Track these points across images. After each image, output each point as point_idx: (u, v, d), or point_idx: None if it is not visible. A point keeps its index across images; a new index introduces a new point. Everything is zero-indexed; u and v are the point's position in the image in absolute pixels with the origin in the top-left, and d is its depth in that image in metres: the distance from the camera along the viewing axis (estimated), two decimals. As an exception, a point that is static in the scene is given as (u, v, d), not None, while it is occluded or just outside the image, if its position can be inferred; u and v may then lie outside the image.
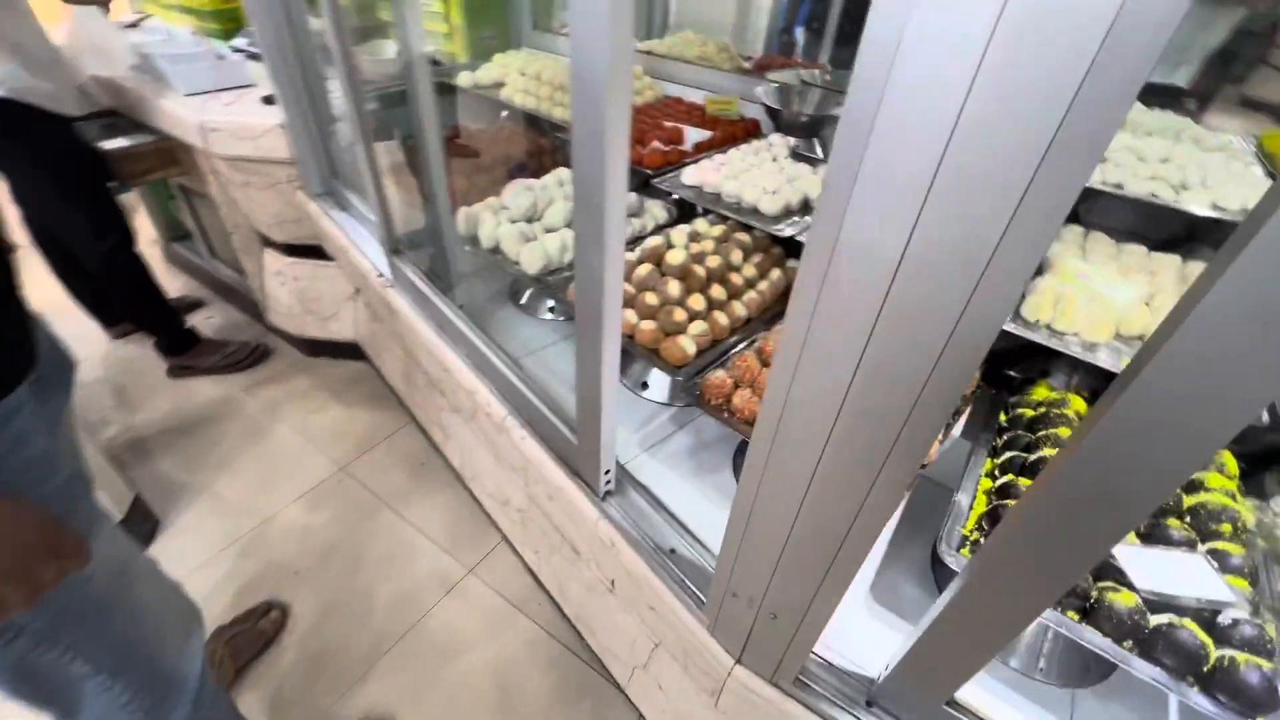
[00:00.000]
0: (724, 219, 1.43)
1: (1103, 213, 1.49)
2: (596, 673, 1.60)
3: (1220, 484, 0.91)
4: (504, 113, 2.21)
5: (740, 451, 1.25)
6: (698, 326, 1.17)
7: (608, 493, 1.10)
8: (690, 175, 1.51)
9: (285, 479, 2.09)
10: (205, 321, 2.79)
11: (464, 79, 2.07)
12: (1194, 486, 0.91)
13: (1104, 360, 1.05)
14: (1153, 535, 0.88)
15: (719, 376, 1.06)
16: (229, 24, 2.61)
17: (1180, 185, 1.26)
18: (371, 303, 1.86)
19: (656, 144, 1.56)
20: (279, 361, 2.58)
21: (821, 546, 0.65)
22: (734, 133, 1.75)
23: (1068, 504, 0.47)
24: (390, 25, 2.43)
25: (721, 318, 1.22)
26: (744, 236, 1.37)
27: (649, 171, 1.54)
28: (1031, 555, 0.53)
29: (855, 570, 0.64)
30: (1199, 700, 0.73)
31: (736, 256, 1.30)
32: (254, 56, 2.39)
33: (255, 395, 2.41)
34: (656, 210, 1.62)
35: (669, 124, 1.64)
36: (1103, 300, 1.08)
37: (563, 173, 1.58)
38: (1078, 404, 1.07)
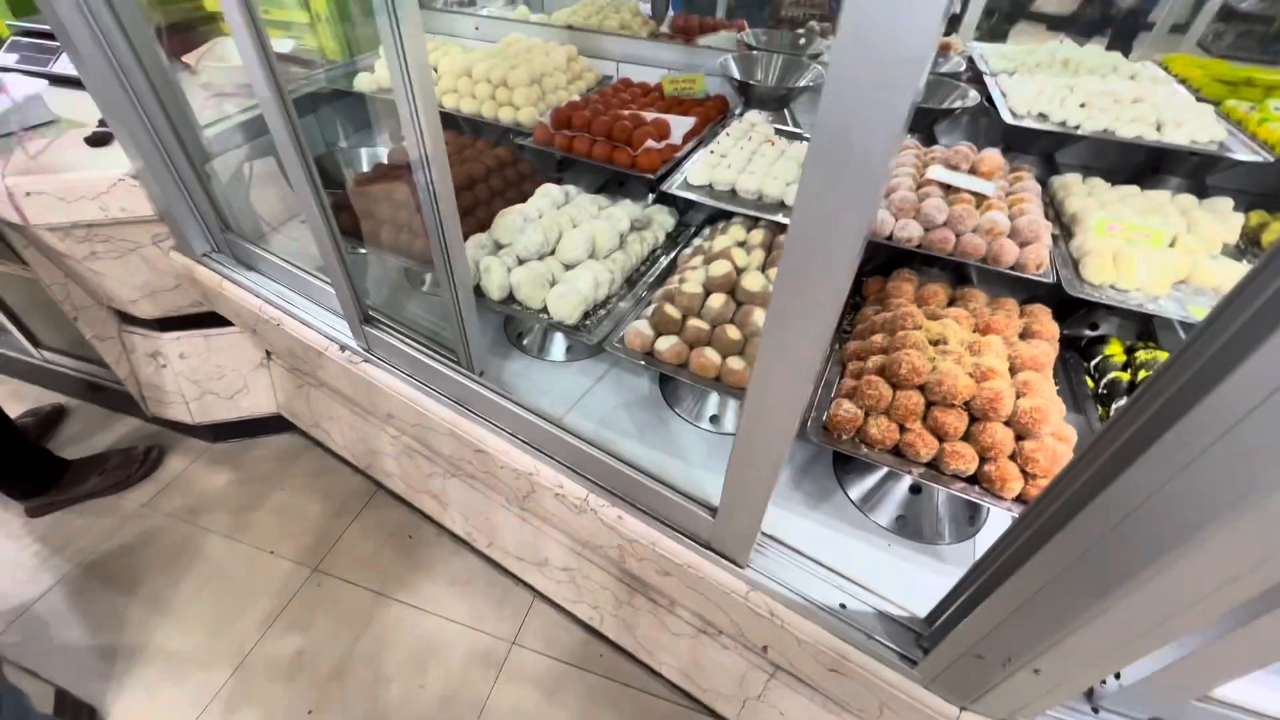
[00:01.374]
0: (754, 220, 1.31)
1: (1074, 155, 1.57)
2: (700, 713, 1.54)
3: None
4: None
5: (838, 461, 1.18)
6: (788, 352, 1.06)
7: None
8: (697, 174, 1.35)
9: (245, 604, 1.71)
10: (60, 435, 2.16)
11: (363, 81, 1.69)
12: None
13: (1171, 311, 1.10)
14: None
15: (847, 410, 0.97)
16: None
17: (1157, 124, 1.34)
18: (324, 377, 1.51)
19: (650, 143, 1.38)
20: (178, 459, 2.07)
21: (1159, 616, 0.60)
22: (707, 114, 1.60)
23: None
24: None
25: (803, 335, 1.12)
26: (784, 237, 1.26)
27: (652, 176, 1.36)
28: None
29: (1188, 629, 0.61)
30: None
31: (792, 263, 1.19)
32: (52, 78, 1.79)
33: (162, 510, 1.92)
34: (662, 217, 1.45)
35: (651, 116, 1.45)
36: (1154, 254, 1.13)
37: (551, 190, 1.34)
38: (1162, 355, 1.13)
